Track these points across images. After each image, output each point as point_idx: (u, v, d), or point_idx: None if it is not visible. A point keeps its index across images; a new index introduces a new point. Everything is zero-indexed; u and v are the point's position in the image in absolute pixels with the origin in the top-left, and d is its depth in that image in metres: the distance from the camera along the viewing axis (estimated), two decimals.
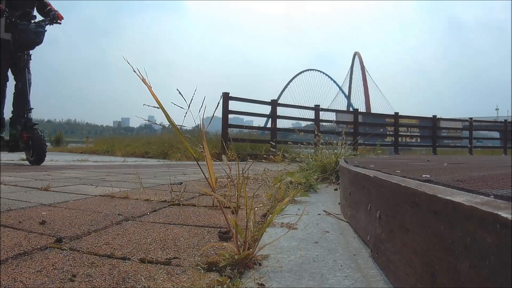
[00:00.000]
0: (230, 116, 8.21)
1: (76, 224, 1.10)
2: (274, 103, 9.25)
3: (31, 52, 4.78)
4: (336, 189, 2.12)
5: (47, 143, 4.76)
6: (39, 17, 4.86)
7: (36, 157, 4.45)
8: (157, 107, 0.76)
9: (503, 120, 14.35)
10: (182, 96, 0.74)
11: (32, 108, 4.70)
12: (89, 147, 13.42)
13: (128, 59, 0.77)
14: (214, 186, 0.79)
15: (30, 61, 4.77)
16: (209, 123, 0.91)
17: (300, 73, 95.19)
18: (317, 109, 10.31)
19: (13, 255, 0.77)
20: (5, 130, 5.05)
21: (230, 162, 0.90)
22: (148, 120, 1.08)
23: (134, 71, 0.72)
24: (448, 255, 0.43)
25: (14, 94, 4.79)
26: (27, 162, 4.98)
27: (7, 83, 4.89)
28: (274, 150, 5.86)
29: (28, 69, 4.75)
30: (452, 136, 14.60)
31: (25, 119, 4.58)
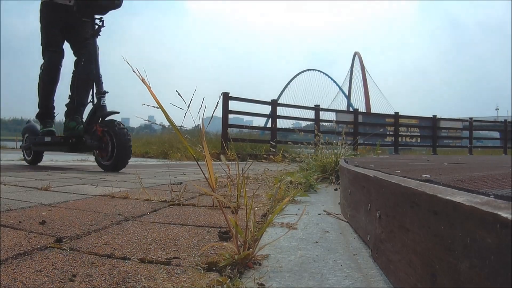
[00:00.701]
0: (230, 116, 8.22)
1: (76, 224, 1.10)
2: (274, 103, 9.25)
3: (103, 17, 3.44)
4: (336, 189, 2.12)
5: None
6: None
7: (116, 160, 3.19)
8: (157, 107, 0.76)
9: (503, 120, 14.35)
10: (181, 97, 0.74)
11: (107, 92, 3.32)
12: None
13: (128, 59, 0.77)
14: (214, 186, 0.79)
15: (103, 28, 3.43)
16: (209, 123, 0.91)
17: (300, 73, 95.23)
18: (317, 109, 10.32)
19: (13, 255, 0.77)
20: (54, 123, 3.79)
21: (230, 162, 0.90)
22: (148, 120, 1.08)
23: (134, 71, 0.72)
24: (448, 255, 0.43)
25: (73, 73, 3.60)
26: (26, 162, 4.60)
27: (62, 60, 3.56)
28: (274, 150, 5.87)
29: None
30: (452, 136, 14.62)
31: (96, 106, 3.29)
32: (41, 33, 3.57)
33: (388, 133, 12.54)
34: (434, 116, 12.98)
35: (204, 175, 0.78)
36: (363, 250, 0.87)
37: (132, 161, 6.36)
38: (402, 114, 12.87)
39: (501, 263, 0.34)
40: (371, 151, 6.66)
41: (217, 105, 0.86)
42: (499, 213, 0.35)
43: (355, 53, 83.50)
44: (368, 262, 0.78)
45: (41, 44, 3.58)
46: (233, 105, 8.17)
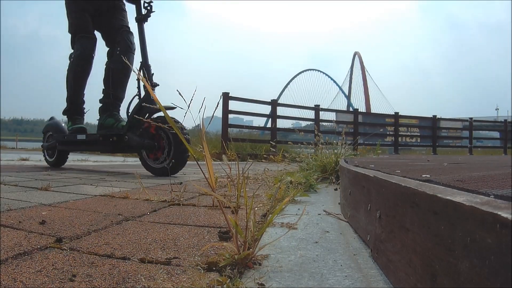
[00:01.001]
0: (230, 116, 8.22)
1: (76, 224, 1.10)
2: (274, 103, 9.26)
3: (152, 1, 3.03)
4: (336, 189, 2.12)
5: None
6: None
7: (172, 163, 2.75)
8: (157, 107, 0.76)
9: (503, 120, 14.36)
10: (182, 96, 0.74)
11: (157, 84, 2.93)
12: None
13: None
14: (214, 186, 0.79)
15: (152, 13, 3.02)
16: (209, 123, 0.91)
17: (300, 73, 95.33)
18: (317, 109, 10.32)
19: (13, 255, 0.77)
20: (84, 120, 3.46)
21: (230, 162, 0.90)
22: (148, 120, 1.08)
23: (134, 71, 0.72)
24: (448, 255, 0.43)
25: (106, 65, 3.21)
26: (28, 162, 4.54)
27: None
28: (274, 150, 5.86)
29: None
30: (452, 136, 14.65)
31: (144, 100, 2.85)
32: (68, 19, 3.23)
33: (388, 133, 12.55)
34: (434, 116, 12.99)
35: (204, 175, 0.78)
36: (363, 250, 0.87)
37: (132, 161, 6.36)
38: (402, 114, 12.89)
39: (501, 263, 0.34)
40: (371, 151, 6.67)
41: (217, 105, 0.87)
42: (499, 213, 0.35)
43: (355, 53, 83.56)
44: (368, 262, 0.78)
45: (69, 31, 3.23)
46: (233, 105, 8.18)
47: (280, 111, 9.46)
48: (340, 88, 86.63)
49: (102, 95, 3.24)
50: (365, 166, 1.16)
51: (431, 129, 12.88)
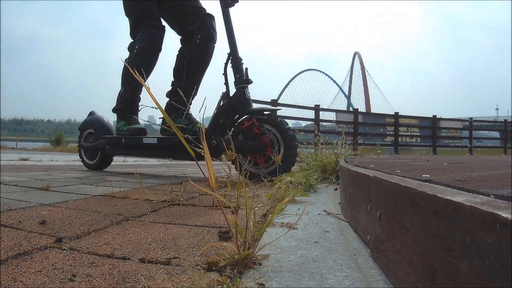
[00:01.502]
0: None
1: (76, 224, 1.10)
2: (274, 103, 9.26)
3: None
4: (336, 189, 2.12)
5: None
6: None
7: (285, 165, 2.41)
8: (156, 108, 0.76)
9: (503, 120, 14.37)
10: (182, 96, 0.74)
11: (251, 82, 2.45)
12: None
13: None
14: (214, 186, 0.79)
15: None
16: (210, 122, 0.91)
17: (300, 73, 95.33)
18: (317, 109, 10.32)
19: (13, 255, 0.77)
20: (138, 116, 2.95)
21: (230, 162, 0.90)
22: (147, 121, 1.07)
23: (132, 72, 0.72)
24: (448, 255, 0.43)
25: (180, 53, 2.79)
26: (28, 162, 4.55)
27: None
28: None
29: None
30: (452, 136, 14.66)
31: (237, 99, 2.38)
32: (126, 4, 2.73)
33: (388, 133, 12.56)
34: (434, 116, 13.00)
35: (204, 175, 0.78)
36: (363, 250, 0.87)
37: (132, 161, 6.36)
38: (402, 114, 12.90)
39: (501, 263, 0.34)
40: (371, 151, 6.67)
41: (218, 105, 0.86)
42: (499, 213, 0.35)
43: (355, 53, 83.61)
44: (368, 262, 0.78)
45: (128, 16, 2.70)
46: None
47: (280, 111, 9.47)
48: (340, 88, 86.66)
49: (171, 88, 2.73)
50: (365, 166, 1.16)
51: (431, 129, 12.89)
